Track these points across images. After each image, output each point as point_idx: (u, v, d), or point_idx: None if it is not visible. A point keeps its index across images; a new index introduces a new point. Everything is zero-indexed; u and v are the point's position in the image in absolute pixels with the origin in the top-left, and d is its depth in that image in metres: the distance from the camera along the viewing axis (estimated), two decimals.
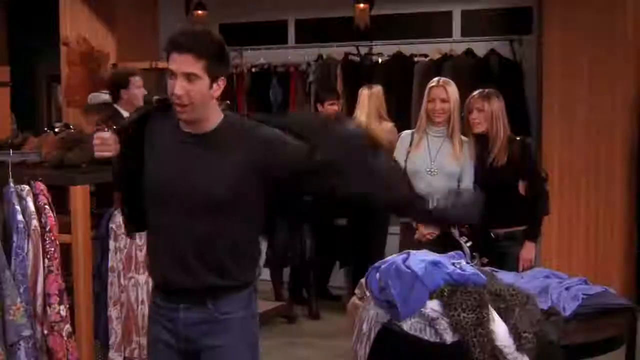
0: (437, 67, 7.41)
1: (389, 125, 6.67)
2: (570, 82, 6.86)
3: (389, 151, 6.67)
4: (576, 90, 6.84)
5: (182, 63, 2.72)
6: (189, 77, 2.73)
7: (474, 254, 4.64)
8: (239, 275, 2.89)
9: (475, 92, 4.96)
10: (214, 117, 2.86)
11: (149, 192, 2.88)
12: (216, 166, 2.81)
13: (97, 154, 2.92)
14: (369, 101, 6.67)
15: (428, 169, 4.90)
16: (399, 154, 5.02)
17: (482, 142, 4.93)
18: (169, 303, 2.89)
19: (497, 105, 4.88)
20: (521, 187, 4.97)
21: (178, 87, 2.72)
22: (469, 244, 4.69)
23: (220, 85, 2.82)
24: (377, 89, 6.78)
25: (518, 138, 5.00)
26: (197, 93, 2.74)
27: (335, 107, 6.92)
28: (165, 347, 2.92)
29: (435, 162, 4.91)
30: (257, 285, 3.00)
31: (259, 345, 3.02)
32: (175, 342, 2.91)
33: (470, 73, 7.44)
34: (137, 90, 5.45)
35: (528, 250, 4.89)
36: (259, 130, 2.87)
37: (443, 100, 4.89)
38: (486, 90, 4.98)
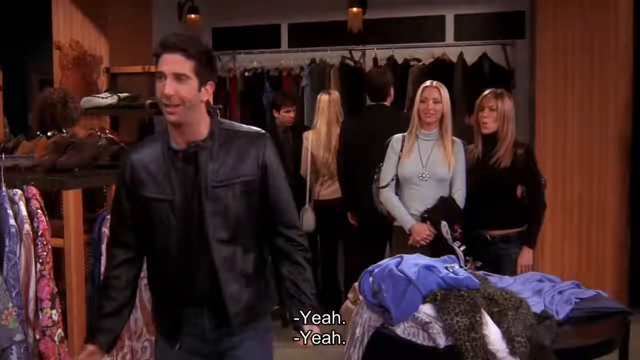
0: (430, 71, 7.42)
1: None
2: (563, 85, 6.89)
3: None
4: (569, 92, 6.87)
5: (172, 63, 2.77)
6: (179, 77, 2.77)
7: (468, 257, 4.64)
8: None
9: (488, 91, 4.95)
10: (204, 122, 2.91)
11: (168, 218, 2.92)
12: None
13: None
14: (329, 107, 6.67)
15: (420, 175, 4.89)
16: (390, 160, 5.00)
17: (488, 142, 4.92)
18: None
19: (508, 106, 4.87)
20: (518, 190, 4.97)
21: (168, 87, 2.77)
22: (462, 248, 4.70)
23: (208, 90, 2.87)
24: (336, 94, 6.82)
25: (523, 143, 5.01)
26: (187, 93, 2.78)
27: (291, 114, 6.91)
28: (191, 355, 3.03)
29: (427, 167, 4.90)
30: None
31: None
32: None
33: (463, 77, 7.48)
34: None
35: (527, 257, 4.89)
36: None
37: (436, 101, 4.89)
38: (499, 89, 4.98)
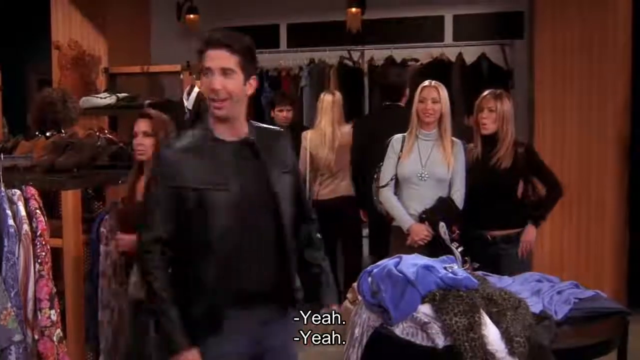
0: (428, 71, 7.43)
1: (347, 127, 6.71)
2: (561, 85, 6.89)
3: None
4: (568, 92, 6.87)
5: (219, 59, 2.87)
6: (226, 72, 2.87)
7: (466, 258, 4.64)
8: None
9: (487, 92, 4.96)
10: (245, 118, 3.02)
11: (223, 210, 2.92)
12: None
13: None
14: (333, 107, 6.66)
15: (419, 175, 4.89)
16: (390, 159, 5.00)
17: (488, 143, 4.92)
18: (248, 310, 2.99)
19: (507, 106, 4.88)
20: (519, 190, 4.98)
21: (216, 81, 2.86)
22: (460, 249, 4.69)
23: (252, 85, 2.97)
24: (338, 95, 6.81)
25: (523, 142, 5.02)
26: (234, 87, 2.88)
27: (284, 114, 6.90)
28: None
29: (426, 167, 4.89)
30: None
31: None
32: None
33: (462, 77, 7.48)
34: None
35: (530, 234, 4.92)
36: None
37: (434, 101, 4.88)
38: (498, 90, 4.98)
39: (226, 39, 2.88)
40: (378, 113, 6.89)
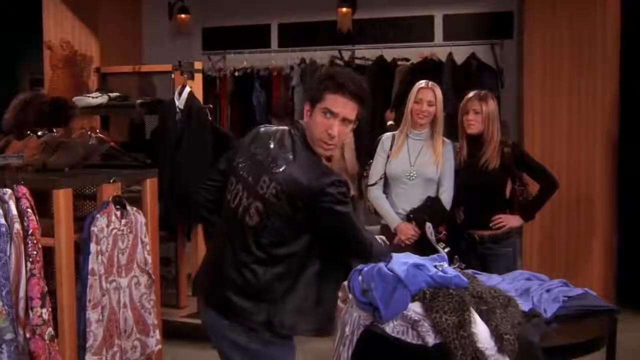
0: (419, 71, 7.45)
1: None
2: (550, 85, 6.92)
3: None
4: (557, 91, 6.91)
5: (346, 108, 2.97)
6: (345, 121, 2.98)
7: (455, 256, 4.65)
8: None
9: (471, 93, 4.95)
10: None
11: None
12: None
13: None
14: None
15: (407, 174, 4.90)
16: (379, 158, 5.01)
17: (474, 144, 4.93)
18: None
19: (492, 107, 4.88)
20: (507, 190, 4.99)
21: (335, 128, 2.97)
22: (446, 250, 4.69)
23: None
24: None
25: (509, 142, 5.03)
26: (346, 135, 3.04)
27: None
28: None
29: (415, 167, 4.89)
30: None
31: None
32: None
33: (452, 77, 7.51)
34: None
35: (513, 218, 4.96)
36: None
37: (430, 104, 4.87)
38: (482, 91, 4.98)
39: (361, 93, 2.97)
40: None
